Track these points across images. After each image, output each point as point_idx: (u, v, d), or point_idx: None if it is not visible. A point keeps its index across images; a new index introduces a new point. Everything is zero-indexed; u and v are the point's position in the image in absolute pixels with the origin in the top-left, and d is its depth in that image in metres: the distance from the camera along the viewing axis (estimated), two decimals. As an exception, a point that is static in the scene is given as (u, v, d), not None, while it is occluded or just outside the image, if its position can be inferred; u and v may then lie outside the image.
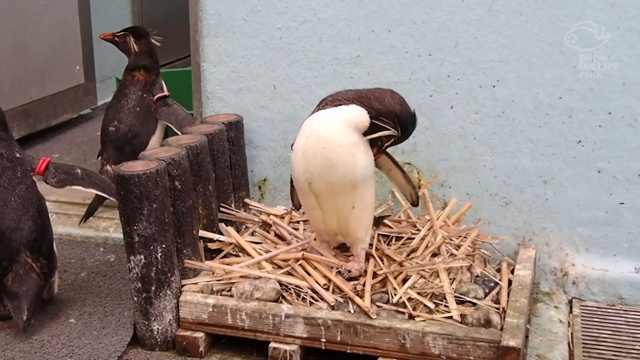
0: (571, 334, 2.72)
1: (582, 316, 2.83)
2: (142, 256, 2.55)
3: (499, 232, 3.01)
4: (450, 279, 2.63)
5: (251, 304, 2.56)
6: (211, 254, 2.88)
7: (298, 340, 2.52)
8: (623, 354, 2.58)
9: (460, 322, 2.44)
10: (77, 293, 2.95)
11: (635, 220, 2.88)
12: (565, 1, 2.78)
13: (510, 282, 2.69)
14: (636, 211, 2.87)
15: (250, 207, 3.19)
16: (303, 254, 2.69)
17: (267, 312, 2.53)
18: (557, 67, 2.84)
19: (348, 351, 2.49)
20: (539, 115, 2.90)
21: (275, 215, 3.06)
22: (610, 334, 2.70)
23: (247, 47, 3.18)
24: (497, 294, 2.62)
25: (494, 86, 2.93)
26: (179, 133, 3.25)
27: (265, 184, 3.32)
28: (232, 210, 3.06)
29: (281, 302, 2.58)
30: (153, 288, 2.57)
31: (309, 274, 2.64)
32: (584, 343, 2.65)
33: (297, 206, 2.83)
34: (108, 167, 3.56)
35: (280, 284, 2.63)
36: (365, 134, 2.47)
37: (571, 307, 2.90)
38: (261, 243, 2.90)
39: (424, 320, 2.44)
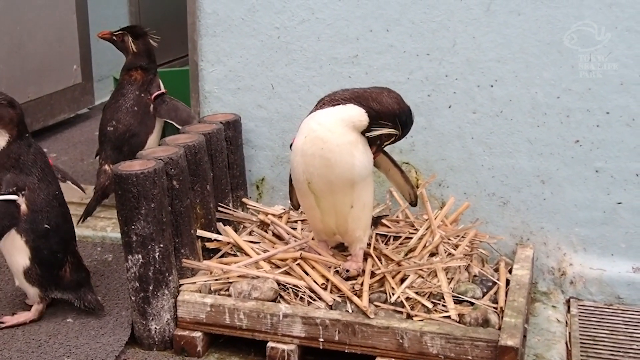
0: (569, 333, 2.72)
1: (579, 316, 2.83)
2: (139, 256, 2.54)
3: (496, 232, 3.01)
4: (448, 278, 2.63)
5: (249, 304, 2.56)
6: (209, 254, 2.88)
7: (296, 339, 2.52)
8: (620, 354, 2.59)
9: (458, 322, 2.44)
10: (74, 292, 2.95)
11: (632, 220, 2.88)
12: (563, 1, 2.79)
13: (508, 282, 2.69)
14: (634, 211, 2.88)
15: (248, 206, 3.19)
16: (301, 254, 2.69)
17: (265, 312, 2.53)
18: (555, 67, 2.84)
19: (346, 351, 2.49)
20: (537, 115, 2.90)
21: (273, 215, 3.06)
22: (607, 334, 2.71)
23: (245, 47, 3.18)
24: (495, 293, 2.63)
25: (491, 86, 2.93)
26: (179, 128, 3.24)
27: (263, 183, 3.31)
28: (230, 209, 3.06)
29: (279, 302, 2.58)
30: (151, 288, 2.57)
31: (307, 274, 2.64)
32: (581, 342, 2.65)
33: (295, 206, 2.83)
34: (106, 167, 3.55)
35: (278, 283, 2.62)
36: (364, 132, 2.47)
37: (569, 307, 2.90)
38: (259, 242, 2.90)
39: (422, 320, 2.44)
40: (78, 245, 2.88)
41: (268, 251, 2.79)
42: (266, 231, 3.00)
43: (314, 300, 2.56)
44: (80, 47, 5.09)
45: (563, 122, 2.88)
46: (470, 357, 2.36)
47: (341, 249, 2.78)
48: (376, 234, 2.85)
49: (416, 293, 2.55)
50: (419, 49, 2.98)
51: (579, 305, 2.91)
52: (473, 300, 2.54)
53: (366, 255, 2.69)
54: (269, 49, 3.15)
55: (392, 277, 2.61)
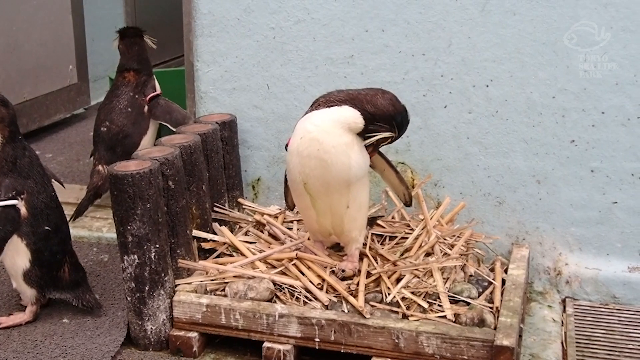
0: (564, 333, 2.73)
1: (575, 315, 2.83)
2: (135, 256, 2.54)
3: (492, 232, 3.02)
4: (443, 278, 2.64)
5: (245, 304, 2.56)
6: (205, 254, 2.88)
7: (292, 339, 2.52)
8: (616, 353, 2.59)
9: (454, 322, 2.44)
10: (70, 293, 2.94)
11: (628, 219, 2.89)
12: (558, 1, 2.79)
13: (503, 282, 2.70)
14: (629, 210, 2.88)
15: (243, 206, 3.19)
16: (297, 254, 2.69)
17: (261, 312, 2.53)
18: (551, 67, 2.85)
19: (342, 351, 2.49)
20: (533, 115, 2.90)
21: (269, 215, 3.06)
22: (603, 333, 2.71)
23: (241, 47, 3.18)
24: (491, 293, 2.63)
25: (487, 86, 2.93)
26: (174, 130, 3.24)
27: (259, 183, 3.31)
28: (226, 210, 3.06)
29: (275, 302, 2.58)
30: (147, 288, 2.56)
31: (303, 274, 2.64)
32: (577, 342, 2.65)
33: (290, 206, 2.83)
34: (100, 167, 3.55)
35: (274, 283, 2.62)
36: (360, 134, 2.47)
37: (564, 307, 2.90)
38: (255, 243, 2.90)
39: (418, 320, 2.44)
40: (74, 245, 2.88)
41: (264, 251, 2.79)
42: (262, 231, 3.00)
43: (310, 300, 2.56)
44: (76, 48, 5.08)
45: (558, 122, 2.89)
46: (466, 357, 2.37)
47: (337, 249, 2.78)
48: (372, 234, 2.85)
49: (412, 293, 2.55)
50: (415, 49, 2.98)
51: (574, 304, 2.91)
52: (469, 300, 2.54)
53: (362, 255, 2.69)
54: (264, 49, 3.15)
55: (388, 277, 2.61)
